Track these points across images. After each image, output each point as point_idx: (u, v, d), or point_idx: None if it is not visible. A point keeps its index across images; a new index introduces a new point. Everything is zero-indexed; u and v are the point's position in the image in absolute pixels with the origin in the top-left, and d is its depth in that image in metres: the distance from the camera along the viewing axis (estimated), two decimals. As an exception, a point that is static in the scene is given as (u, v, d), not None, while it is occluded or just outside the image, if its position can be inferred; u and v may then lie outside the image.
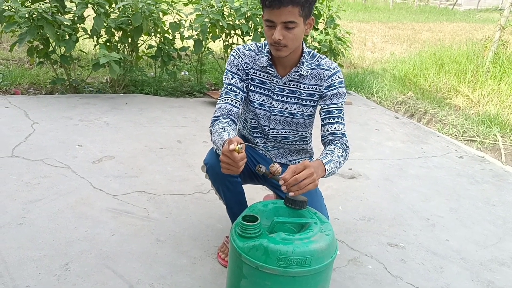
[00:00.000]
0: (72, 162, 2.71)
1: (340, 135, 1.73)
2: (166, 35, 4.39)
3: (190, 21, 4.38)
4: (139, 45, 4.41)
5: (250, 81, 1.78)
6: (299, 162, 1.97)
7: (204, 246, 2.02)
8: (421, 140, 3.76)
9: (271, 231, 1.40)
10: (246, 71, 1.77)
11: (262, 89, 1.78)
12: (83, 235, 2.02)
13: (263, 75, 1.77)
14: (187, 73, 5.31)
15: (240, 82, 1.76)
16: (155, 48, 4.38)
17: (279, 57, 1.66)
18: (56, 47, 3.90)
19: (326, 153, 1.62)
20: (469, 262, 2.10)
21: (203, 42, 4.36)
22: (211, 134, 1.68)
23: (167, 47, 4.36)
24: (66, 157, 2.77)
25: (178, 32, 4.34)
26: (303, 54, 1.72)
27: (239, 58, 1.76)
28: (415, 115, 4.64)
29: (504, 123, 4.28)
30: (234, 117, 1.72)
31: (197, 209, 2.32)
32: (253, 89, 1.79)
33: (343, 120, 1.76)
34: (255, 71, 1.77)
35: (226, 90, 1.75)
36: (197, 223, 2.19)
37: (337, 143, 1.71)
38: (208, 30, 4.25)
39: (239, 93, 1.75)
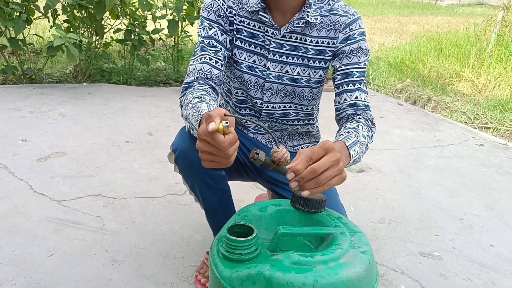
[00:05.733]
0: (11, 160, 2.14)
1: (363, 107, 1.23)
2: (136, 16, 3.83)
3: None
4: (105, 29, 3.84)
5: (235, 33, 1.25)
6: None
7: (177, 266, 1.48)
8: (432, 128, 3.27)
9: (275, 250, 0.88)
10: (230, 18, 1.24)
11: (252, 45, 1.25)
12: (9, 256, 1.46)
13: (254, 25, 1.24)
14: (163, 63, 4.76)
15: (221, 34, 1.22)
16: (124, 32, 3.81)
17: (277, -6, 1.14)
18: (4, 28, 3.30)
19: (348, 132, 1.10)
20: (526, 274, 1.61)
21: (179, 23, 3.81)
22: (181, 107, 1.15)
23: (137, 30, 3.79)
24: (4, 154, 2.19)
25: (149, 13, 3.79)
26: (310, -6, 1.20)
27: (219, 0, 1.23)
28: (417, 102, 4.17)
29: (518, 108, 3.84)
30: (215, 83, 1.19)
31: (169, 215, 1.78)
32: (239, 44, 1.26)
33: (366, 87, 1.26)
34: (242, 19, 1.24)
35: (201, 45, 1.22)
36: (168, 235, 1.65)
37: (360, 118, 1.20)
38: (184, 10, 3.71)
39: (220, 49, 1.21)
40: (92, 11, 3.48)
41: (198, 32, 1.25)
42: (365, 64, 1.25)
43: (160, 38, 4.18)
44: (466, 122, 3.62)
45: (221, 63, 1.21)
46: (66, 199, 1.84)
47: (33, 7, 3.36)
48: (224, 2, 1.23)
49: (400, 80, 4.82)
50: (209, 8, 1.23)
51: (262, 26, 1.23)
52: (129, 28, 3.76)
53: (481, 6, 22.36)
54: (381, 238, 1.75)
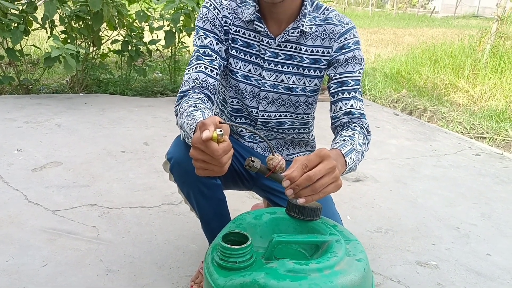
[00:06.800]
0: (6, 170, 2.13)
1: (358, 115, 1.23)
2: (133, 27, 3.85)
3: (161, 11, 3.86)
4: (102, 40, 3.85)
5: (230, 42, 1.26)
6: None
7: (172, 276, 1.47)
8: (428, 137, 3.29)
9: (269, 258, 0.87)
10: (225, 28, 1.25)
11: (248, 55, 1.26)
12: (2, 267, 1.45)
13: (249, 34, 1.25)
14: (160, 74, 4.77)
15: (217, 44, 1.23)
16: (121, 43, 3.82)
17: (273, 2, 1.15)
18: (1, 39, 3.31)
19: (344, 139, 1.10)
20: (523, 284, 1.61)
21: (176, 34, 3.83)
22: (177, 115, 1.15)
23: (134, 41, 3.81)
24: (-1, 164, 2.19)
25: (146, 24, 3.81)
26: (304, 3, 1.21)
27: (214, 10, 1.24)
28: (414, 112, 4.19)
29: (514, 118, 3.86)
30: (210, 92, 1.19)
31: (165, 225, 1.77)
32: (234, 54, 1.26)
33: (361, 95, 1.26)
34: (238, 29, 1.25)
35: (197, 54, 1.22)
36: (163, 245, 1.64)
37: (355, 126, 1.20)
38: (181, 21, 3.73)
39: (216, 58, 1.22)
40: (89, 22, 3.51)
41: (193, 41, 1.26)
42: (360, 72, 1.25)
43: (157, 49, 4.20)
44: (462, 132, 3.63)
45: (216, 72, 1.21)
46: (61, 209, 1.83)
47: (31, 18, 3.38)
48: (220, 11, 1.24)
49: (396, 90, 4.85)
50: (204, 17, 1.24)
51: (257, 36, 1.24)
52: (126, 39, 3.78)
53: (475, 18, 22.59)
54: (378, 247, 1.75)
